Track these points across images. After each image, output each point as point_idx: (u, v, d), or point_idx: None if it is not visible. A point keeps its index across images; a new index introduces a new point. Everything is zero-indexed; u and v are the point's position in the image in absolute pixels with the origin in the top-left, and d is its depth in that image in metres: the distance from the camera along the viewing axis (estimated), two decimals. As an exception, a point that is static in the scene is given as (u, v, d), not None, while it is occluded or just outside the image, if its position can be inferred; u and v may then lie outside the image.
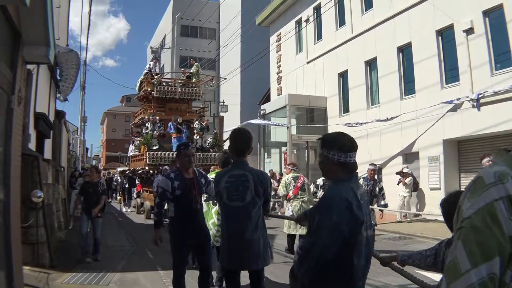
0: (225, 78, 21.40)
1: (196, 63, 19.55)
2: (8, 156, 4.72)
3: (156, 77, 18.14)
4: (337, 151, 2.42)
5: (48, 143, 11.02)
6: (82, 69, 28.51)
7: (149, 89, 17.52)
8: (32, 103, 8.13)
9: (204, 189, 5.09)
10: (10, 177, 4.70)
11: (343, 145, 2.45)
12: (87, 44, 36.61)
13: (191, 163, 4.93)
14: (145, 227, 14.24)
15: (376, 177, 10.03)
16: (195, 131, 17.21)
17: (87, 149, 43.87)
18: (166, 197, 4.75)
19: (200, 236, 4.89)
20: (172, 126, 16.14)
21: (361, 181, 9.23)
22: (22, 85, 5.34)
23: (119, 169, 33.79)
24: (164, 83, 18.16)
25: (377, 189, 9.75)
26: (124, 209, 20.47)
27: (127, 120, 64.79)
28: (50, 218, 8.10)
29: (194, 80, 18.76)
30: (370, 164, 10.00)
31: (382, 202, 9.83)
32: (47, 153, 10.82)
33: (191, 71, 19.11)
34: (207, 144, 17.48)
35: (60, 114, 13.71)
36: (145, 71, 18.63)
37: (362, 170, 8.02)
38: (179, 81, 18.84)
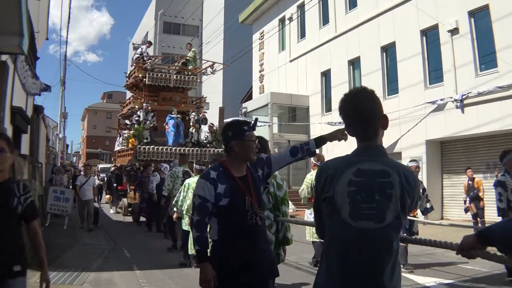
0: (227, 65, 20.45)
1: (193, 48, 17.88)
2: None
3: (148, 61, 16.47)
4: None
5: (25, 138, 10.65)
6: (62, 63, 28.01)
7: (140, 75, 15.98)
8: (9, 97, 7.79)
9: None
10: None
11: None
12: (67, 38, 35.95)
13: (255, 153, 3.11)
14: (123, 225, 13.92)
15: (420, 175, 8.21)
16: (190, 124, 15.44)
17: (67, 145, 43.14)
18: (208, 211, 2.89)
19: (262, 271, 2.93)
20: (170, 120, 14.90)
21: None
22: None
23: (100, 166, 33.02)
24: (157, 70, 16.49)
25: (420, 190, 7.48)
26: (111, 210, 18.94)
27: (108, 116, 64.27)
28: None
29: (191, 67, 17.17)
30: (411, 161, 8.25)
31: (428, 205, 8.09)
32: (24, 149, 10.45)
33: (188, 56, 17.52)
34: (204, 138, 15.82)
35: (38, 109, 13.27)
36: (137, 55, 17.14)
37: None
38: (174, 67, 17.17)
